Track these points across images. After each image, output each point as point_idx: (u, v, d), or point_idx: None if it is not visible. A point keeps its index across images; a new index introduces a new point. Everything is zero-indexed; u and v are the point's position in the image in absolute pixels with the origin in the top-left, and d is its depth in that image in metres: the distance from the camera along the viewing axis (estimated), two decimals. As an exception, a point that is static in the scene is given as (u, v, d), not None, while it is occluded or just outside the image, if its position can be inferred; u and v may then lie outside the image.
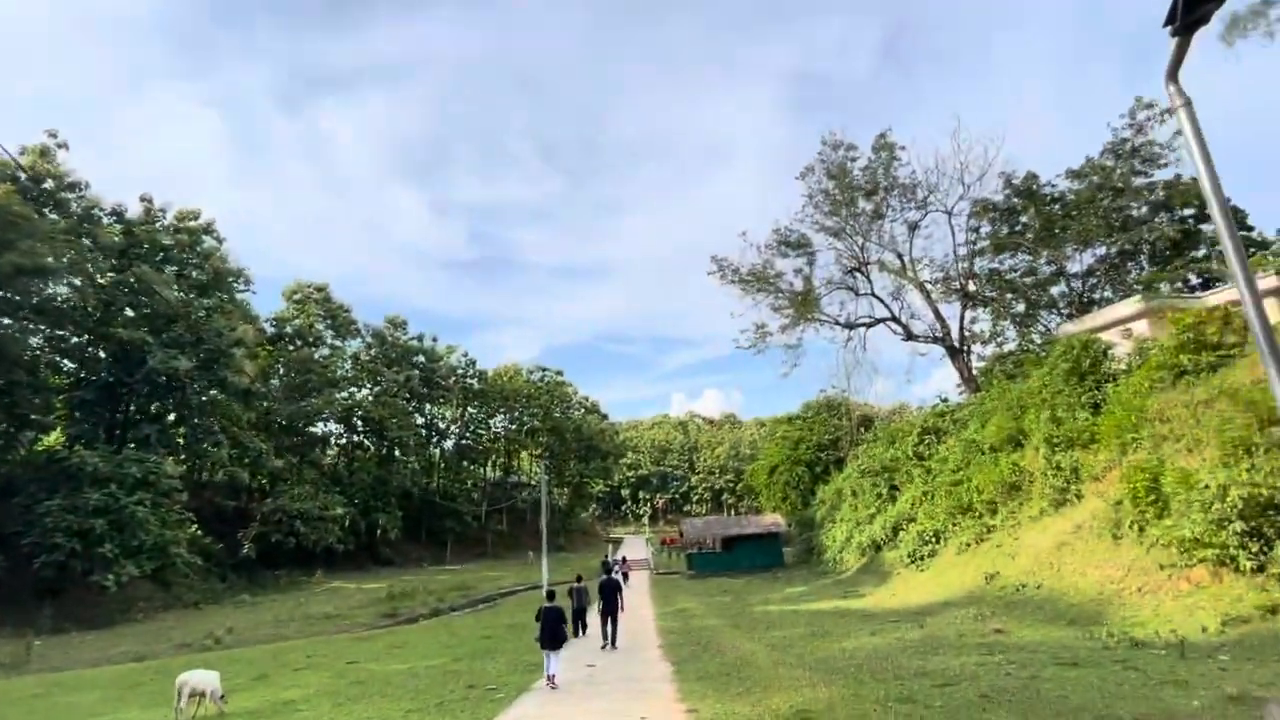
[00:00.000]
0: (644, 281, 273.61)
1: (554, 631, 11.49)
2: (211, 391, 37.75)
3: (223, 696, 12.04)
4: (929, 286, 38.51)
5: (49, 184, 38.34)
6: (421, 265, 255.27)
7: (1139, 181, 36.92)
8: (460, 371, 71.28)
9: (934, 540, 23.57)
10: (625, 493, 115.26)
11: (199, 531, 38.06)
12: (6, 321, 35.80)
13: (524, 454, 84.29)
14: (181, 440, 37.91)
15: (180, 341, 34.82)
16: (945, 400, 32.93)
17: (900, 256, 39.04)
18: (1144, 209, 37.21)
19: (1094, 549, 15.44)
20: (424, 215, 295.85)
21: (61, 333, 37.97)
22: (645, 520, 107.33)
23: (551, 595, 12.82)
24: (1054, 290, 41.17)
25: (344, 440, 61.91)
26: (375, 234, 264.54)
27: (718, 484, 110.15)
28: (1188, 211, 35.93)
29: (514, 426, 77.79)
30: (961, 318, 37.96)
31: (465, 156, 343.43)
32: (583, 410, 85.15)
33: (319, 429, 57.31)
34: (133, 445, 32.44)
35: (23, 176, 34.91)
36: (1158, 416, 16.47)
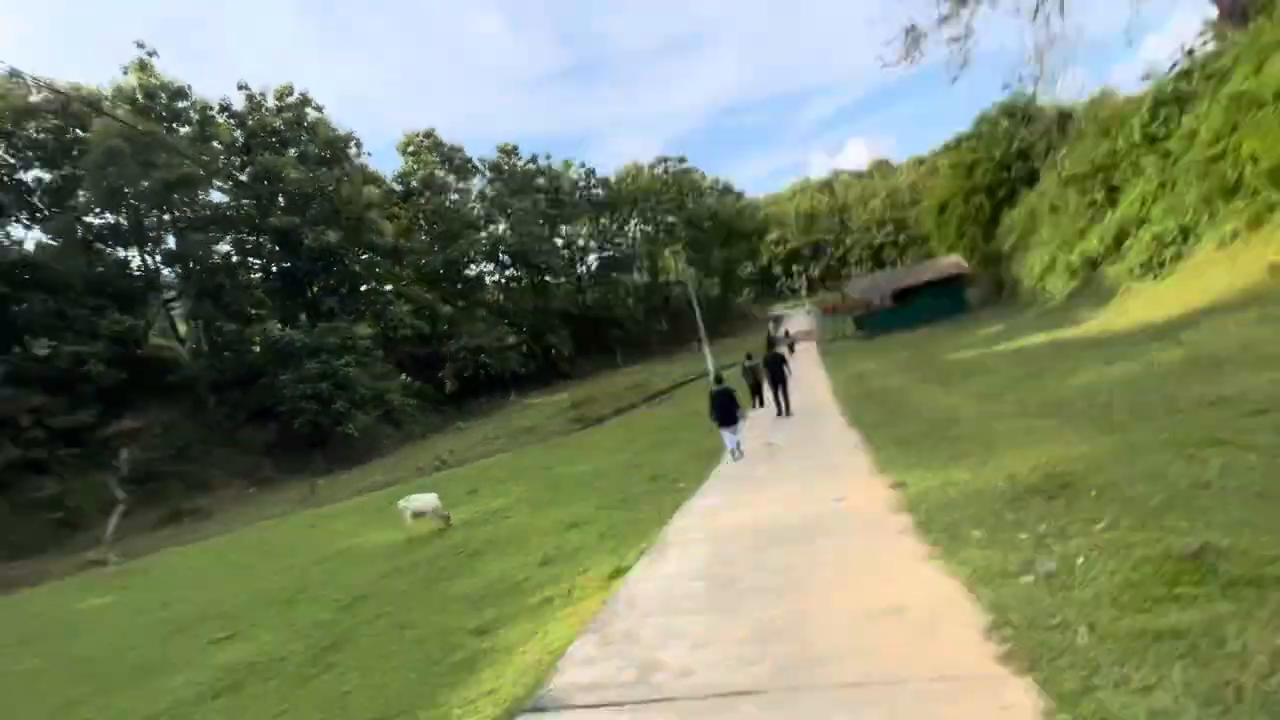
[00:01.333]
0: (755, 35, 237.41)
1: (727, 410, 11.52)
2: (363, 256, 40.40)
3: (446, 515, 13.39)
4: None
5: (163, 98, 39.86)
6: (518, 89, 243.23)
7: None
8: (582, 185, 69.42)
9: (1178, 239, 18.69)
10: (777, 269, 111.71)
11: (407, 378, 43.84)
12: (197, 238, 40.27)
13: (666, 252, 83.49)
14: (364, 308, 42.02)
15: (322, 217, 36.76)
16: (1190, 53, 24.19)
17: None
18: None
19: None
20: (506, 34, 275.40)
21: (242, 235, 42.15)
22: (802, 293, 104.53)
23: (720, 379, 12.84)
24: None
25: (497, 277, 65.32)
26: (467, 70, 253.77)
27: (876, 240, 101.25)
28: None
29: (650, 228, 76.17)
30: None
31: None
32: (716, 194, 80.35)
33: (473, 270, 60.72)
34: (324, 319, 36.39)
35: (119, 112, 35.83)
36: None
